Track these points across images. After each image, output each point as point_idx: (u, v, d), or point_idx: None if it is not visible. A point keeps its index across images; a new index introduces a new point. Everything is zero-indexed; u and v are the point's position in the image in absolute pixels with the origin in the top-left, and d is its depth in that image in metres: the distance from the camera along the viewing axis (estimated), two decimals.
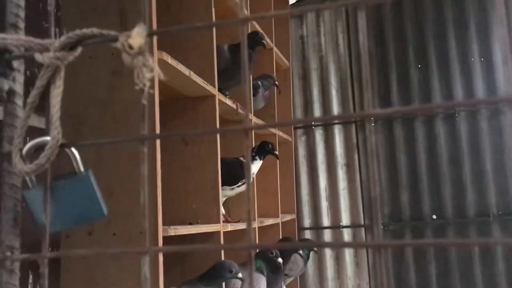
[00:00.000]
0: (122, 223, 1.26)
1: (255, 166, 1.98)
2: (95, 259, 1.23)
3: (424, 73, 3.20)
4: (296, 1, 3.48)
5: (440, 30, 3.19)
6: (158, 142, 1.21)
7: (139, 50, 0.42)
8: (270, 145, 2.01)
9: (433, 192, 3.12)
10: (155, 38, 1.23)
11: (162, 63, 1.30)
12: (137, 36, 0.40)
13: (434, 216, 3.11)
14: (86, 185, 0.51)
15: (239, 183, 1.87)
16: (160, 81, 1.38)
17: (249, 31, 2.21)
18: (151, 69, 0.45)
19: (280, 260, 1.97)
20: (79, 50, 0.49)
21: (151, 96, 1.24)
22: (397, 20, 3.27)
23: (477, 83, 3.12)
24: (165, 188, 1.56)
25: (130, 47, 0.42)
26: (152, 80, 0.46)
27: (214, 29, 1.67)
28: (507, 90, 3.08)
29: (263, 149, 2.00)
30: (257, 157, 1.98)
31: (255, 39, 1.95)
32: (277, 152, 2.08)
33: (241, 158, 1.88)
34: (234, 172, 1.84)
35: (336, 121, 3.36)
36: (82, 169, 0.52)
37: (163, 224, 1.31)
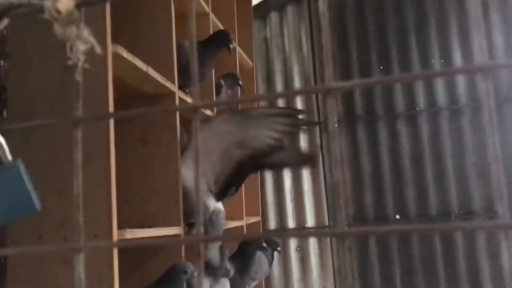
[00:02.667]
0: (74, 226, 1.18)
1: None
2: (44, 264, 1.15)
3: (387, 75, 3.23)
4: (259, 2, 3.46)
5: (401, 33, 3.23)
6: (112, 136, 1.15)
7: (69, 17, 0.37)
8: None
9: (396, 193, 3.15)
10: (108, 30, 1.17)
11: (117, 57, 1.24)
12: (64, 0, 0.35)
13: (398, 216, 3.14)
14: (15, 177, 0.45)
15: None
16: (115, 77, 1.31)
17: (212, 30, 2.16)
18: (86, 41, 0.39)
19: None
20: (5, 21, 0.43)
21: (104, 92, 1.17)
22: (359, 22, 3.29)
23: (437, 84, 3.17)
24: (123, 191, 1.49)
25: (58, 12, 0.36)
26: (105, 74, 0.41)
27: (173, 23, 1.61)
28: (466, 90, 3.14)
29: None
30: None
31: (223, 39, 1.89)
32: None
33: None
34: None
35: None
36: (10, 158, 0.46)
37: (120, 228, 1.24)
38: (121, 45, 1.29)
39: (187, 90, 1.86)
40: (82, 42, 0.39)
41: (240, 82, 2.46)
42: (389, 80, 0.30)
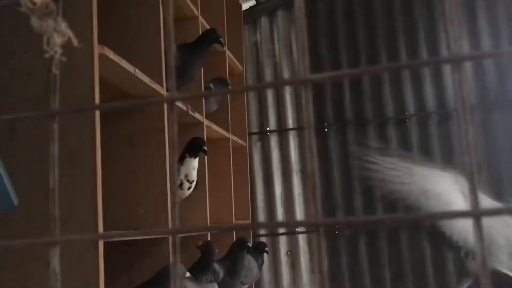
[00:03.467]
0: (60, 226, 1.17)
1: (187, 166, 1.83)
2: (28, 264, 1.14)
3: (376, 79, 3.25)
4: (250, 8, 3.47)
5: (391, 37, 3.25)
6: (98, 140, 1.14)
7: (45, 10, 0.37)
8: (200, 140, 1.86)
9: (386, 197, 3.16)
10: (95, 32, 1.17)
11: (103, 59, 1.24)
12: None
13: (387, 222, 3.15)
14: None
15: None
16: (102, 79, 1.31)
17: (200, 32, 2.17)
18: (64, 34, 0.39)
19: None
20: None
21: (91, 93, 1.17)
22: (349, 26, 3.31)
23: (427, 89, 3.20)
24: (111, 193, 1.48)
25: (33, 3, 0.36)
26: (91, 76, 0.41)
27: (161, 26, 1.61)
28: (455, 96, 3.16)
29: (193, 146, 1.84)
30: (186, 155, 1.82)
31: (210, 36, 1.88)
32: (206, 148, 1.88)
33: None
34: None
35: (291, 127, 3.35)
36: None
37: (107, 230, 1.23)
38: (109, 48, 1.29)
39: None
40: (59, 35, 0.39)
41: (230, 86, 2.46)
42: (357, 72, 0.30)
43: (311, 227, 0.32)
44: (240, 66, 3.03)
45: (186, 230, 0.29)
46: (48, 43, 0.40)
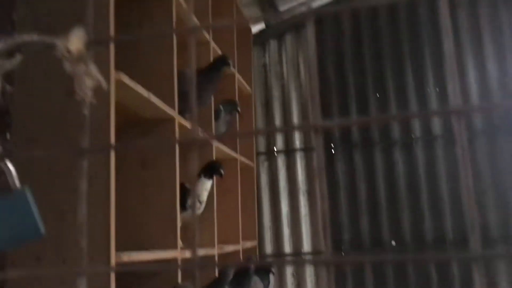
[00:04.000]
0: (72, 248, 1.20)
1: (199, 186, 1.88)
2: (44, 285, 1.16)
3: (383, 102, 3.28)
4: (259, 31, 3.53)
5: (397, 60, 3.29)
6: (112, 162, 1.18)
7: (78, 56, 0.40)
8: (216, 164, 1.94)
9: (392, 219, 3.16)
10: (112, 58, 1.21)
11: (119, 84, 1.28)
12: (75, 40, 0.39)
13: (393, 242, 3.14)
14: (22, 203, 0.48)
15: (185, 206, 1.81)
16: (117, 103, 1.35)
17: (212, 58, 2.21)
18: (94, 78, 0.43)
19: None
20: (18, 58, 0.47)
21: (106, 118, 1.21)
22: (356, 49, 3.36)
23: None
24: (121, 212, 1.51)
25: (69, 52, 0.40)
26: (107, 99, 0.44)
27: (175, 51, 1.66)
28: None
29: (210, 168, 1.92)
30: (201, 175, 1.88)
31: (220, 61, 1.95)
32: (222, 171, 1.96)
33: (186, 184, 1.84)
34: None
35: (298, 147, 3.38)
36: (18, 185, 0.49)
37: (118, 250, 1.26)
38: (124, 72, 1.33)
39: (187, 116, 1.89)
40: (90, 78, 0.42)
41: (238, 108, 2.51)
42: (367, 121, 0.33)
43: (320, 264, 0.34)
44: (248, 88, 3.08)
45: (208, 264, 0.31)
46: (78, 86, 0.43)
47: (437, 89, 3.24)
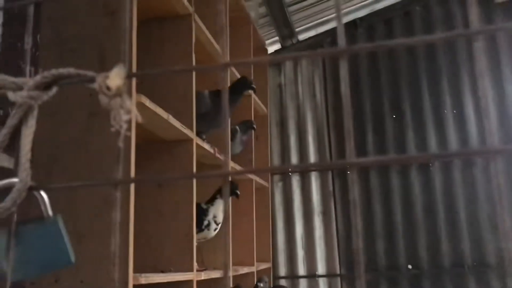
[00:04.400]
0: (90, 270, 1.21)
1: (217, 207, 1.88)
2: None
3: (399, 124, 3.27)
4: (274, 51, 3.56)
5: (414, 81, 3.29)
6: (132, 186, 1.18)
7: (117, 92, 0.41)
8: (233, 185, 1.96)
9: (409, 242, 3.12)
10: (134, 81, 1.23)
11: (140, 106, 1.29)
12: (115, 77, 0.39)
13: (410, 266, 3.10)
14: (54, 231, 0.48)
15: (201, 227, 1.81)
16: (137, 124, 1.36)
17: (230, 78, 2.23)
18: (129, 111, 0.43)
19: None
20: (54, 90, 0.48)
21: (127, 139, 1.22)
22: (372, 71, 3.36)
23: (450, 134, 3.20)
24: (137, 233, 1.51)
25: (108, 88, 0.40)
26: (129, 122, 0.45)
27: (194, 74, 1.68)
28: (479, 141, 3.16)
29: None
30: (218, 196, 1.89)
31: (243, 84, 1.97)
32: (238, 192, 2.00)
33: (202, 204, 1.85)
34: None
35: (313, 168, 3.37)
36: (50, 213, 0.49)
37: (134, 272, 1.26)
38: (143, 94, 1.35)
39: (204, 137, 1.91)
40: (125, 111, 0.43)
41: (254, 125, 2.52)
42: (405, 158, 0.33)
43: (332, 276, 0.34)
44: (264, 108, 3.09)
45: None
46: (114, 119, 0.44)
47: (454, 111, 3.22)
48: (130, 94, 1.24)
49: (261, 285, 2.33)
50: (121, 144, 0.44)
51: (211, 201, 1.88)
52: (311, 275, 3.22)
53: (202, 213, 1.83)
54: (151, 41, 1.76)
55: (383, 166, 3.22)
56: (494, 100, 3.17)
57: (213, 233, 1.87)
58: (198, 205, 1.84)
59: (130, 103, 0.44)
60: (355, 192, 0.36)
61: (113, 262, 0.43)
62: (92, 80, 0.43)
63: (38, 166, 1.33)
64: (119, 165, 0.44)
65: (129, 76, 0.44)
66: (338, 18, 0.40)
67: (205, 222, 1.82)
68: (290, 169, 3.39)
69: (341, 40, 0.40)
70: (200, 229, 1.80)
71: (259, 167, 2.93)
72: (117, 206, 0.43)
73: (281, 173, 3.40)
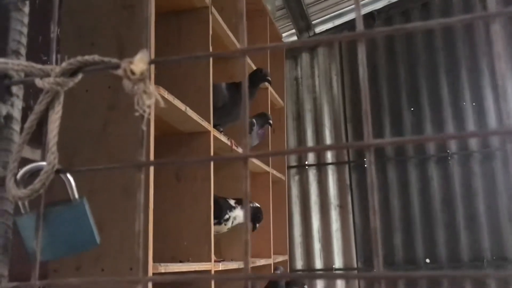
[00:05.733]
0: (111, 258, 1.23)
1: (235, 213, 1.91)
2: None
3: (417, 116, 3.24)
4: None
5: (432, 73, 3.26)
6: (152, 175, 1.20)
7: (141, 77, 0.43)
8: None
9: (426, 236, 3.10)
10: (152, 73, 1.25)
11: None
12: (139, 62, 0.41)
13: (428, 260, 3.08)
14: (80, 213, 0.50)
15: (220, 220, 1.83)
16: (155, 116, 1.38)
17: (246, 71, 2.24)
18: (151, 95, 0.45)
19: None
20: (79, 76, 0.49)
21: (146, 131, 1.24)
22: (390, 63, 3.34)
23: (469, 127, 3.16)
24: (156, 224, 1.54)
25: (132, 72, 0.42)
26: (149, 110, 0.46)
27: (211, 66, 1.69)
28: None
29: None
30: (236, 205, 1.90)
31: (258, 76, 1.98)
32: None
33: (230, 200, 1.87)
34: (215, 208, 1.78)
35: (330, 162, 3.37)
36: (77, 196, 0.51)
37: (153, 261, 1.28)
38: (161, 86, 1.37)
39: (221, 129, 1.92)
40: (148, 96, 0.44)
41: (271, 121, 2.52)
42: (421, 139, 0.34)
43: (353, 279, 0.35)
44: (281, 101, 3.09)
45: (258, 277, 0.32)
46: (138, 103, 0.45)
47: (474, 104, 3.18)
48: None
49: (280, 270, 2.37)
50: (144, 127, 0.45)
51: (241, 203, 1.91)
52: (328, 269, 3.22)
53: (227, 208, 1.85)
54: (168, 34, 1.77)
55: (400, 158, 3.20)
56: None
57: (225, 229, 1.88)
58: (225, 199, 1.86)
59: (153, 88, 0.45)
60: (372, 174, 0.37)
61: (137, 242, 0.45)
62: (117, 66, 0.45)
63: (59, 159, 1.36)
64: (143, 148, 0.45)
65: (151, 62, 0.45)
66: (357, 3, 0.40)
67: (226, 216, 1.84)
68: (306, 162, 3.39)
69: (359, 24, 0.41)
70: (219, 221, 1.82)
71: (276, 161, 2.94)
72: (141, 188, 0.45)
73: (298, 166, 3.41)
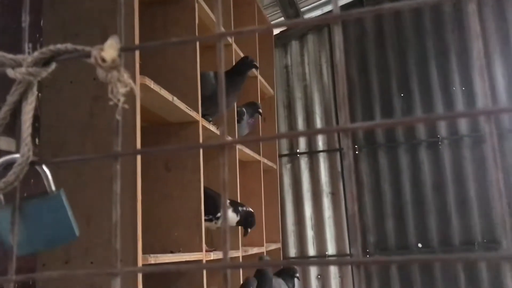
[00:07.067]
0: (100, 251, 1.23)
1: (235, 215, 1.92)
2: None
3: (407, 102, 3.24)
4: (280, 32, 3.54)
5: (422, 59, 3.25)
6: (139, 166, 1.19)
7: (112, 64, 0.41)
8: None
9: (418, 221, 3.12)
10: (137, 63, 1.23)
11: (144, 88, 1.30)
12: (109, 48, 0.40)
13: (420, 245, 3.10)
14: (58, 205, 0.49)
15: (213, 217, 1.82)
16: (142, 107, 1.37)
17: (234, 60, 2.23)
18: (126, 84, 0.44)
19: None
20: (53, 66, 0.48)
21: (132, 121, 1.23)
22: (379, 49, 3.33)
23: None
24: (146, 215, 1.53)
25: (103, 60, 0.41)
26: (127, 96, 0.45)
27: (197, 55, 1.67)
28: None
29: (237, 204, 1.96)
30: (230, 206, 1.90)
31: (245, 63, 1.96)
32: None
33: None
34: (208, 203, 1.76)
35: (321, 149, 3.37)
36: (53, 188, 0.50)
37: (143, 253, 1.27)
38: (147, 76, 1.35)
39: (210, 119, 1.91)
40: (122, 85, 0.43)
41: (260, 110, 2.51)
42: (392, 123, 0.33)
43: (346, 265, 0.34)
44: (271, 90, 3.08)
45: (237, 266, 0.31)
46: (112, 92, 0.44)
47: (463, 88, 3.19)
48: (133, 76, 1.24)
49: (266, 258, 2.38)
50: (119, 117, 0.44)
51: (234, 204, 1.92)
52: (321, 256, 3.24)
53: (222, 206, 1.84)
54: (154, 24, 1.75)
55: (391, 144, 3.21)
56: (503, 77, 3.13)
57: (215, 227, 1.88)
58: (220, 196, 1.86)
59: (128, 77, 0.44)
60: (350, 159, 0.37)
61: (114, 233, 0.44)
62: (89, 54, 0.44)
63: (44, 150, 1.35)
64: (118, 138, 0.44)
65: (125, 49, 0.44)
66: None
67: (218, 215, 1.82)
68: (298, 150, 3.40)
69: (335, 7, 0.40)
70: (211, 218, 1.80)
71: (267, 149, 2.93)
72: (117, 178, 0.44)
73: (289, 154, 3.41)
